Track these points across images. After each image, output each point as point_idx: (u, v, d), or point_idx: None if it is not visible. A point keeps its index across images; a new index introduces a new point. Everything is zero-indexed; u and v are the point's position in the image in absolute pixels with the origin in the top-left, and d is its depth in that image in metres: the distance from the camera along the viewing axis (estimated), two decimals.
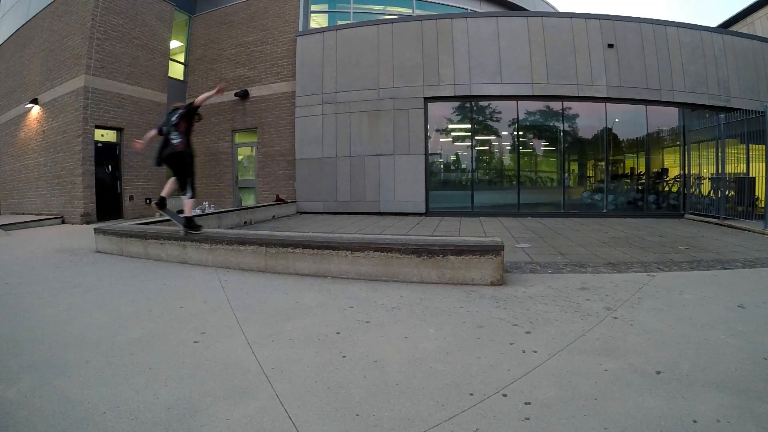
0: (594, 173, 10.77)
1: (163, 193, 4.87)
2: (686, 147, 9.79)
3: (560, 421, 1.61)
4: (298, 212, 10.98)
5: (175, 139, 4.57)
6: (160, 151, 4.67)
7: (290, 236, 4.43)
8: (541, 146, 10.92)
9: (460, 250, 3.65)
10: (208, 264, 4.54)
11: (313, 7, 12.47)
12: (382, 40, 10.44)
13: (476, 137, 10.55)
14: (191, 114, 4.72)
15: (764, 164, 7.25)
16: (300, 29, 11.48)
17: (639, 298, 3.16)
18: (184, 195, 4.76)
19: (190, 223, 4.75)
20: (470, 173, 10.50)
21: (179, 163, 4.67)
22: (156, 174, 11.60)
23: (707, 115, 9.66)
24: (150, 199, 11.38)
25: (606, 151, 10.22)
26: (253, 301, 3.25)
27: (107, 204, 10.25)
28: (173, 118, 4.64)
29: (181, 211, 4.99)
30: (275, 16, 11.82)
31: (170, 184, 4.88)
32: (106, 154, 10.36)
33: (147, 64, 11.32)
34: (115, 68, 10.40)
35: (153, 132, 4.89)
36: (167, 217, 5.39)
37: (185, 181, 4.70)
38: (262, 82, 11.93)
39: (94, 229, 5.85)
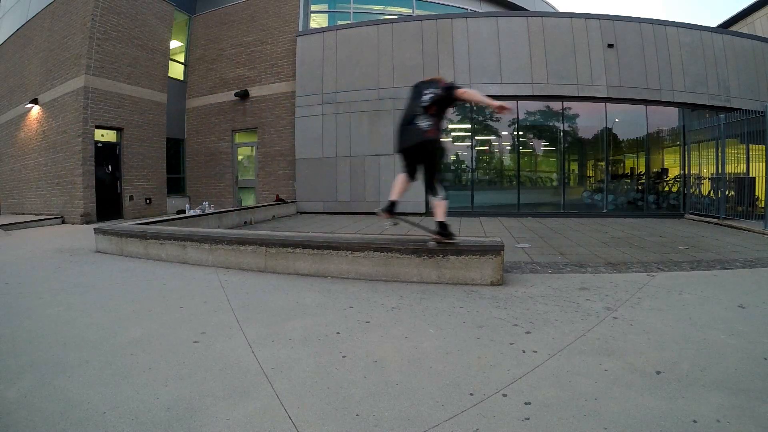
0: (594, 173, 10.77)
1: (393, 197, 3.68)
2: (686, 147, 9.78)
3: (560, 421, 1.60)
4: (298, 212, 10.97)
5: (424, 123, 3.47)
6: (402, 136, 3.60)
7: (290, 236, 4.43)
8: (541, 146, 10.92)
9: (460, 250, 3.64)
10: (208, 264, 4.54)
11: (313, 7, 12.47)
12: (382, 40, 10.44)
13: (476, 137, 10.55)
14: (449, 101, 3.60)
15: (764, 164, 7.25)
16: (300, 29, 11.48)
17: (639, 298, 3.16)
18: (433, 196, 3.67)
19: (445, 230, 3.67)
20: (470, 173, 10.49)
21: (426, 155, 3.59)
22: (156, 174, 11.60)
23: (707, 115, 9.66)
24: (150, 199, 11.35)
25: (606, 151, 10.21)
26: (253, 301, 3.24)
27: (107, 204, 10.24)
28: (424, 98, 3.52)
29: (396, 212, 3.79)
30: (275, 16, 11.83)
31: (401, 183, 3.71)
32: (106, 154, 10.36)
33: (147, 64, 11.31)
34: (115, 68, 10.39)
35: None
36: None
37: (432, 178, 3.62)
38: (262, 82, 11.93)
39: (94, 229, 5.85)
